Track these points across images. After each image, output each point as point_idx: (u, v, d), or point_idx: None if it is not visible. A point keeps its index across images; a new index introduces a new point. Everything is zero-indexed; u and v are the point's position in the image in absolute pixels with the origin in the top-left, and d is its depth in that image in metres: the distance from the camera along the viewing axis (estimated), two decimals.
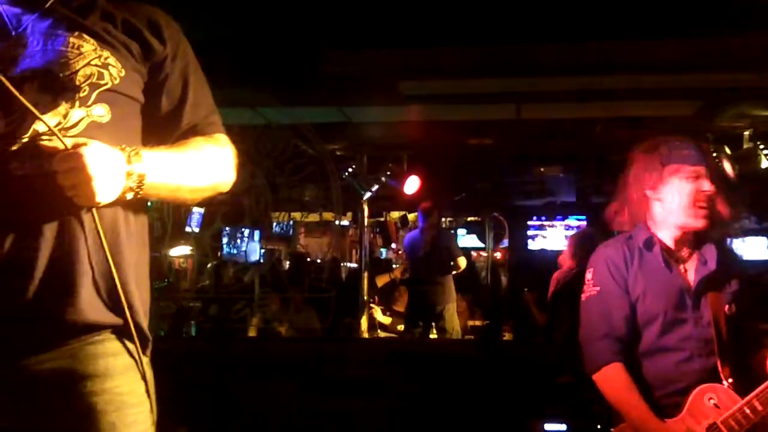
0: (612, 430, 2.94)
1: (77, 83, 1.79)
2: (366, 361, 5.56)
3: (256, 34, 5.03)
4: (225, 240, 10.68)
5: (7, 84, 1.70)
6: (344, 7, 4.59)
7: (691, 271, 2.95)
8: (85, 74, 1.80)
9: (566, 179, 10.46)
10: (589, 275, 3.08)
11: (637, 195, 3.03)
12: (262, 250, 11.11)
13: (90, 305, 1.77)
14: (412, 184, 8.84)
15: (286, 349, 6.46)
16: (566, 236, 11.15)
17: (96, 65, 1.82)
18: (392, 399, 5.24)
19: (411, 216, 11.95)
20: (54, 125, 1.72)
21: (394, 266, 11.18)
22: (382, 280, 9.97)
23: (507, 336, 8.78)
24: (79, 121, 1.77)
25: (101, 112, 1.81)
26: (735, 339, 2.88)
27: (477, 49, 5.30)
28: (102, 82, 1.82)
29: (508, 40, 5.11)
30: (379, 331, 8.98)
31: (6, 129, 1.72)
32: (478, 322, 9.73)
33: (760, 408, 2.71)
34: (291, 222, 11.72)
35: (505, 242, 12.23)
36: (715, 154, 6.85)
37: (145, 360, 1.92)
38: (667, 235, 2.99)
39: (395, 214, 13.13)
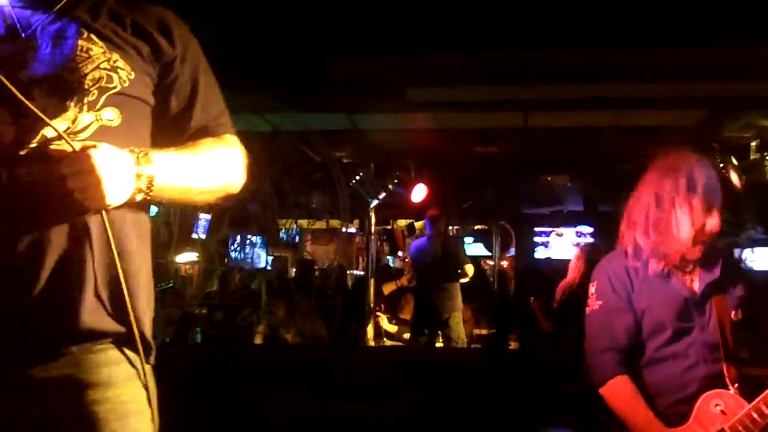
0: None
1: (86, 87, 1.78)
2: (372, 369, 5.55)
3: (264, 40, 5.03)
4: (232, 246, 10.69)
5: (15, 91, 1.69)
6: (352, 14, 4.60)
7: (696, 279, 2.95)
8: (94, 78, 1.79)
9: (573, 187, 10.45)
10: (592, 289, 3.08)
11: (647, 213, 3.02)
12: (269, 257, 11.11)
13: (93, 312, 1.76)
14: (419, 192, 8.84)
15: (292, 356, 6.45)
16: (574, 244, 11.16)
17: (105, 68, 1.82)
18: (398, 407, 5.22)
19: (418, 224, 11.96)
20: (63, 130, 1.71)
21: (404, 273, 11.18)
22: (388, 288, 9.96)
23: (513, 345, 8.77)
24: (89, 125, 1.77)
25: (111, 116, 1.80)
26: (741, 344, 2.87)
27: (485, 56, 5.31)
28: (111, 85, 1.81)
29: (516, 48, 5.11)
30: (385, 339, 8.97)
31: (15, 135, 1.71)
32: (484, 331, 9.71)
33: (767, 412, 2.70)
34: (297, 229, 11.72)
35: (512, 251, 12.21)
36: (721, 165, 6.84)
37: (148, 368, 1.91)
38: (671, 251, 2.98)
39: (402, 222, 13.13)
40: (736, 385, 2.80)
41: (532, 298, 8.14)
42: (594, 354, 2.99)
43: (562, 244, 11.88)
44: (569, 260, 7.30)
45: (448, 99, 6.48)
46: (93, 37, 1.86)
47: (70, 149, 1.64)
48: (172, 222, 7.27)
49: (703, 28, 4.65)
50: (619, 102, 6.37)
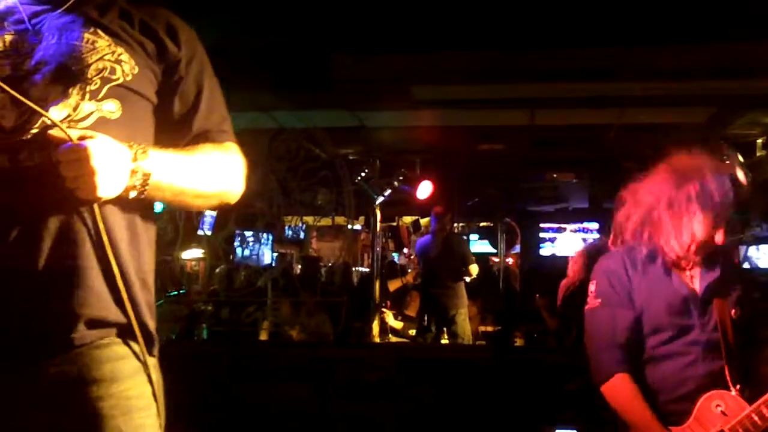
0: None
1: (89, 76, 1.79)
2: (377, 365, 5.56)
3: (270, 38, 5.04)
4: (237, 243, 10.69)
5: (4, 85, 1.72)
6: (358, 12, 4.60)
7: (697, 278, 2.95)
8: (98, 68, 1.81)
9: (579, 185, 10.45)
10: (591, 287, 3.08)
11: (653, 212, 3.01)
12: (275, 254, 11.11)
13: (97, 299, 1.77)
14: (424, 189, 8.85)
15: (297, 353, 6.46)
16: (581, 239, 11.15)
17: (109, 60, 1.83)
18: (403, 404, 5.23)
19: (423, 221, 11.96)
20: (64, 117, 1.73)
21: (408, 270, 11.17)
22: (394, 285, 9.96)
23: (518, 342, 8.77)
24: (89, 114, 1.78)
25: (112, 108, 1.81)
26: (742, 344, 2.87)
27: (491, 54, 5.31)
28: (114, 77, 1.82)
29: (522, 46, 5.11)
30: (390, 335, 8.97)
31: (17, 121, 1.73)
32: (489, 328, 9.71)
33: None
34: (303, 226, 11.73)
35: (517, 248, 12.21)
36: (727, 162, 6.83)
37: (152, 362, 1.91)
38: (672, 251, 2.98)
39: (407, 219, 13.13)
40: (738, 386, 2.80)
41: (537, 295, 8.14)
42: (594, 352, 3.00)
43: (567, 241, 11.87)
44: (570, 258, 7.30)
45: (454, 97, 6.48)
46: (99, 31, 1.88)
47: (67, 137, 1.65)
48: (177, 219, 7.27)
49: (708, 26, 4.65)
50: (625, 100, 6.36)
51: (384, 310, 9.02)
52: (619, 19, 4.66)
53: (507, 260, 12.28)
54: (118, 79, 1.82)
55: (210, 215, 8.72)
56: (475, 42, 5.02)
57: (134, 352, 1.86)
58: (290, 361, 5.67)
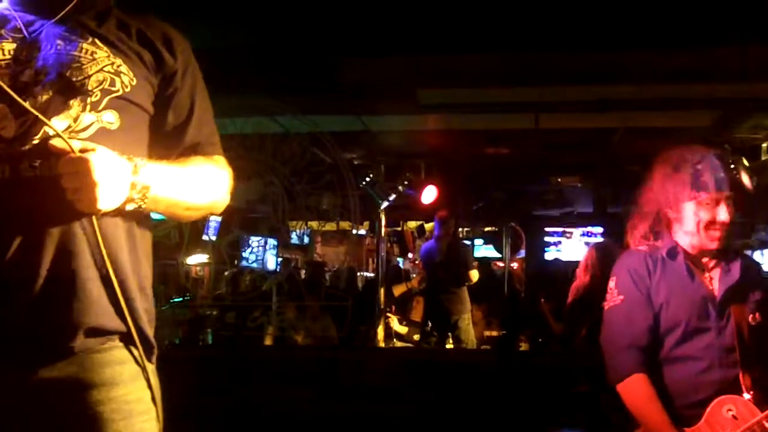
0: None
1: (89, 88, 1.80)
2: (382, 370, 5.56)
3: (275, 42, 5.05)
4: (242, 248, 10.69)
5: (9, 91, 1.72)
6: (363, 15, 4.60)
7: (716, 280, 2.94)
8: (98, 80, 1.82)
9: (584, 189, 10.44)
10: (612, 284, 3.06)
11: (659, 210, 3.02)
12: (279, 259, 11.11)
13: (97, 308, 1.77)
14: (429, 194, 8.84)
15: (302, 357, 6.46)
16: (585, 243, 11.14)
17: (108, 72, 1.84)
18: (408, 408, 5.23)
19: (428, 225, 11.96)
20: (65, 128, 1.73)
21: (412, 275, 11.17)
22: (399, 290, 9.97)
23: (523, 346, 8.76)
24: (90, 125, 1.78)
25: (111, 119, 1.82)
26: (758, 350, 2.86)
27: (495, 58, 5.31)
28: (114, 88, 1.83)
29: (527, 50, 5.11)
30: (395, 340, 8.97)
31: (18, 131, 1.73)
32: (494, 332, 9.71)
33: None
34: (308, 230, 11.72)
35: (522, 252, 12.20)
36: (732, 166, 6.81)
37: (151, 367, 1.92)
38: (688, 246, 2.98)
39: (412, 224, 13.13)
40: (752, 392, 2.79)
41: (542, 299, 8.13)
42: (612, 351, 2.99)
43: (572, 246, 11.86)
44: (579, 261, 7.29)
45: (459, 101, 6.48)
46: (97, 41, 1.89)
47: (68, 148, 1.65)
48: (182, 224, 7.27)
49: (713, 30, 4.65)
50: (630, 104, 6.36)
51: (389, 314, 9.02)
52: (624, 23, 4.66)
53: (512, 265, 12.28)
54: (117, 90, 1.83)
55: (215, 220, 8.73)
56: (480, 46, 5.03)
57: (134, 357, 1.87)
58: (295, 365, 5.67)
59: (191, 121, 2.03)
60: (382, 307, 8.51)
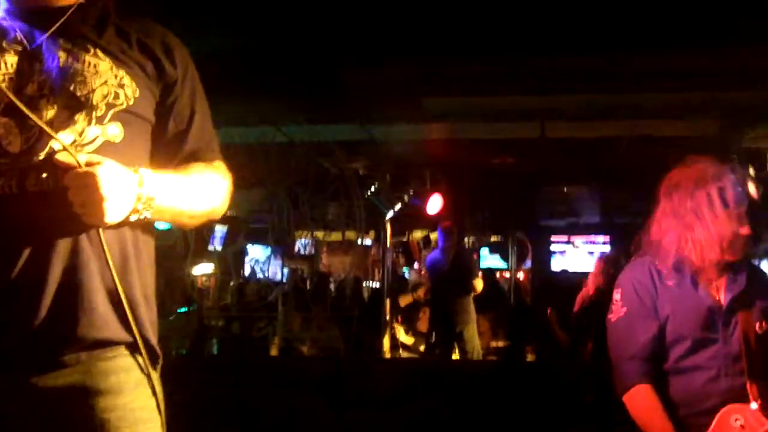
0: None
1: (94, 102, 1.79)
2: (388, 380, 5.55)
3: (281, 51, 5.05)
4: (248, 258, 10.70)
5: (21, 105, 1.71)
6: (368, 25, 4.61)
7: (722, 290, 2.92)
8: (102, 93, 1.81)
9: (590, 199, 10.43)
10: (617, 296, 3.05)
11: (675, 225, 2.99)
12: (285, 269, 11.12)
13: (103, 321, 1.77)
14: (434, 204, 8.83)
15: (308, 367, 6.45)
16: (589, 252, 11.13)
17: (112, 85, 1.83)
18: (414, 419, 5.21)
19: (434, 235, 11.94)
20: (70, 142, 1.73)
21: (418, 286, 11.15)
22: (405, 300, 9.95)
23: (529, 357, 8.74)
24: (94, 138, 1.78)
25: (115, 131, 1.81)
26: (766, 358, 2.84)
27: (501, 66, 5.31)
28: (118, 101, 1.82)
29: (532, 58, 5.11)
30: (401, 350, 8.96)
31: (24, 146, 1.73)
32: (500, 343, 9.69)
33: None
34: (313, 240, 11.73)
35: (528, 263, 12.19)
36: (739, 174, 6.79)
37: (155, 375, 1.91)
38: (696, 257, 2.96)
39: (418, 234, 13.12)
40: (760, 401, 2.77)
41: (549, 309, 8.11)
42: (618, 362, 2.97)
43: (578, 255, 11.85)
44: (585, 271, 7.28)
45: (464, 109, 6.48)
46: (99, 52, 1.87)
47: (75, 162, 1.65)
48: (188, 235, 7.27)
49: (720, 38, 4.64)
50: (637, 112, 6.35)
51: (395, 325, 9.01)
52: (630, 31, 4.66)
53: (518, 275, 12.26)
54: (122, 104, 1.83)
55: (220, 230, 8.73)
56: (485, 54, 5.03)
57: (138, 365, 1.86)
58: (301, 375, 5.67)
59: (191, 128, 2.02)
60: (387, 317, 8.50)
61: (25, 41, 1.85)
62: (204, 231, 7.62)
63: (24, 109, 1.70)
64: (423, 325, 9.32)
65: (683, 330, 2.86)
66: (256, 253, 10.94)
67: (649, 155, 6.58)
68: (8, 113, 1.73)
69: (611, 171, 8.90)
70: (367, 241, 11.83)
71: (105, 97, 1.80)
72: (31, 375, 1.73)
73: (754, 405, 2.75)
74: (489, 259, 12.94)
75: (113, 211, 1.66)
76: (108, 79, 1.83)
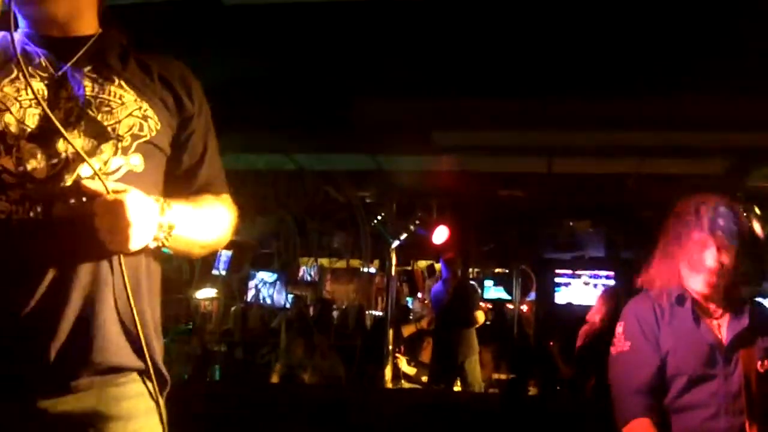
0: None
1: (120, 133, 1.82)
2: (390, 411, 5.53)
3: (292, 80, 5.08)
4: (254, 281, 10.70)
5: (62, 129, 1.73)
6: (380, 56, 4.64)
7: (724, 327, 2.93)
8: (128, 125, 1.84)
9: (596, 234, 10.43)
10: (619, 329, 3.07)
11: (669, 254, 3.03)
12: (289, 296, 11.13)
13: (116, 347, 1.79)
14: (440, 234, 8.83)
15: (310, 396, 6.44)
16: (591, 284, 11.11)
17: (137, 116, 1.86)
18: None
19: (438, 265, 11.95)
20: (96, 170, 1.74)
21: (421, 316, 11.14)
22: (408, 330, 9.94)
23: (532, 390, 8.72)
24: (118, 168, 1.81)
25: (137, 162, 1.84)
26: (766, 398, 2.84)
27: (511, 102, 5.34)
28: (142, 133, 1.86)
29: (542, 94, 5.14)
30: (403, 381, 8.94)
31: (50, 171, 1.74)
32: (503, 375, 9.66)
33: None
34: (317, 267, 11.73)
35: (532, 295, 12.17)
36: (744, 214, 6.80)
37: (162, 402, 1.94)
38: (696, 292, 2.98)
39: (422, 263, 13.12)
40: None
41: (551, 342, 8.10)
42: (621, 396, 2.99)
43: (582, 289, 11.83)
44: (589, 304, 7.27)
45: (473, 143, 6.50)
46: (123, 84, 1.90)
47: (103, 189, 1.68)
48: (194, 260, 7.29)
49: (728, 79, 4.66)
50: (643, 150, 6.38)
51: (398, 355, 9.00)
52: (638, 70, 4.69)
53: (522, 307, 12.24)
54: (145, 135, 1.86)
55: (225, 254, 8.74)
56: (495, 90, 5.06)
57: (149, 391, 1.88)
58: (303, 404, 5.66)
59: (204, 161, 2.07)
60: (390, 347, 8.48)
61: (50, 68, 1.88)
62: (210, 256, 7.63)
63: (67, 137, 1.74)
64: (426, 356, 9.30)
65: (684, 366, 2.88)
66: (263, 275, 10.94)
67: (655, 193, 6.61)
68: (34, 139, 1.76)
69: (617, 207, 8.92)
70: (372, 270, 11.83)
71: (130, 128, 1.84)
72: (44, 400, 1.74)
73: None
74: (492, 291, 12.93)
75: (137, 238, 1.69)
76: (133, 110, 1.87)
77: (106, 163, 1.79)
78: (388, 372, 8.29)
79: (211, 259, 8.20)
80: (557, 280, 11.90)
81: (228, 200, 2.12)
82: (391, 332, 8.59)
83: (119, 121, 1.83)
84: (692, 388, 2.86)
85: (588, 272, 11.70)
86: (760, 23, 3.95)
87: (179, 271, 7.61)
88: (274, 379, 7.58)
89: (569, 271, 11.85)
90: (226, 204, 2.11)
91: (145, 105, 1.89)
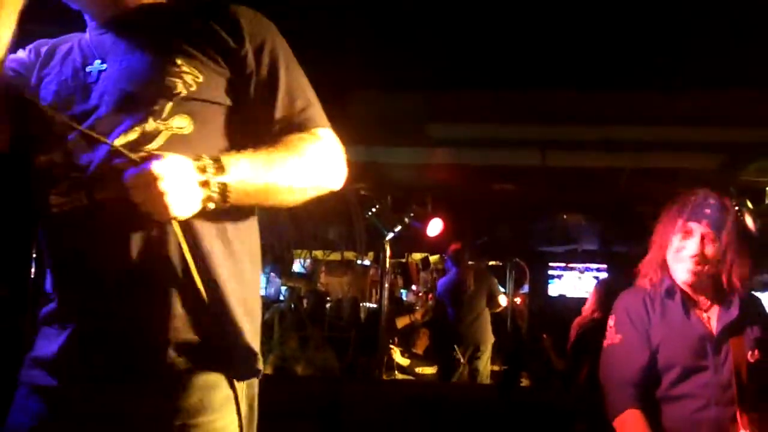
0: None
1: (150, 98, 1.76)
2: (384, 402, 5.54)
3: None
4: None
5: (68, 121, 1.75)
6: (374, 48, 4.63)
7: (714, 318, 2.96)
8: (159, 88, 1.76)
9: (589, 227, 10.44)
10: (611, 322, 3.09)
11: (659, 247, 3.06)
12: (283, 288, 11.11)
13: (182, 323, 1.74)
14: (435, 227, 8.83)
15: (303, 388, 6.44)
16: (584, 277, 11.13)
17: (171, 76, 1.78)
18: None
19: (433, 258, 11.95)
20: (131, 142, 1.72)
21: (415, 308, 11.14)
22: (402, 322, 9.94)
23: (525, 382, 8.74)
24: (157, 135, 1.73)
25: (182, 124, 1.76)
26: (757, 388, 2.87)
27: (505, 94, 5.35)
28: (176, 91, 1.76)
29: (536, 87, 5.14)
30: (396, 372, 8.94)
31: (85, 155, 1.75)
32: (496, 367, 9.68)
33: None
34: (312, 260, 11.72)
35: (526, 288, 12.19)
36: (737, 208, 6.82)
37: (244, 392, 1.88)
38: (680, 281, 3.01)
39: (417, 256, 13.11)
40: (749, 430, 2.79)
41: (544, 335, 8.12)
42: (611, 387, 3.01)
43: (575, 282, 11.86)
44: (583, 297, 7.29)
45: (467, 136, 6.51)
46: (155, 45, 1.84)
47: (129, 162, 1.63)
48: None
49: (722, 73, 4.67)
50: (637, 144, 6.39)
51: (392, 346, 9.00)
52: (633, 64, 4.69)
53: (515, 300, 12.26)
54: (179, 92, 1.76)
55: None
56: (490, 82, 5.06)
57: (229, 381, 1.82)
58: (296, 396, 5.66)
59: (277, 98, 1.88)
60: (384, 338, 8.48)
61: (91, 49, 1.89)
62: None
63: (74, 125, 1.74)
64: (419, 348, 9.30)
65: (674, 357, 2.90)
66: None
67: (648, 187, 6.63)
68: (71, 126, 1.76)
69: (610, 201, 8.92)
70: (366, 262, 11.82)
71: (161, 90, 1.76)
72: (113, 390, 1.73)
73: None
74: None
75: (178, 204, 1.60)
76: (165, 70, 1.78)
77: (143, 133, 1.73)
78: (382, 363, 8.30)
79: None
80: (550, 272, 11.94)
81: (321, 134, 1.93)
82: (385, 324, 8.59)
83: (147, 86, 1.77)
84: (684, 379, 2.89)
85: (581, 265, 11.73)
86: (754, 18, 3.96)
87: None
88: (267, 371, 7.57)
89: (562, 264, 11.89)
90: (319, 139, 1.92)
91: (179, 61, 1.79)
